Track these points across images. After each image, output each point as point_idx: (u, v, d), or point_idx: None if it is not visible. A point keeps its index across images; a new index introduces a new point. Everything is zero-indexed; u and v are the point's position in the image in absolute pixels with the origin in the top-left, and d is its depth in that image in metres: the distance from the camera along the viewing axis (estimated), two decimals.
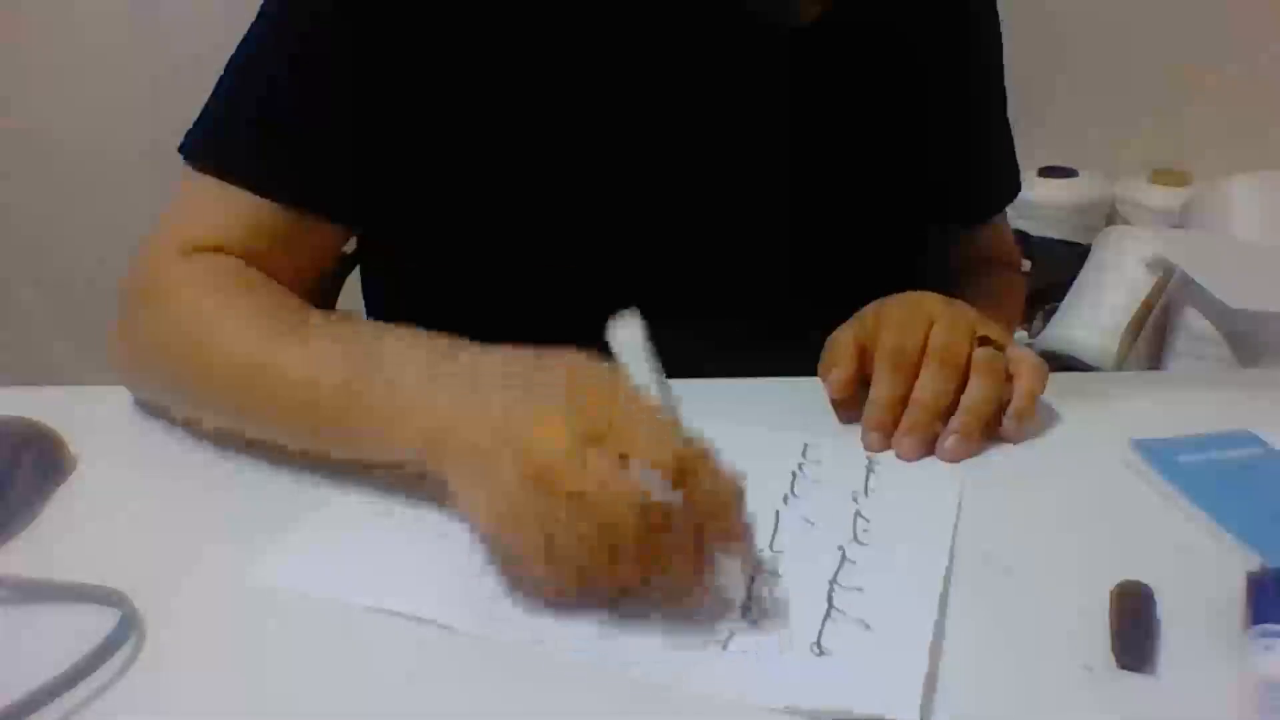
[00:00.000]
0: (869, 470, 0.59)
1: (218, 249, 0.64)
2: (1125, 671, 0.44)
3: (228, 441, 0.60)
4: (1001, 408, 0.61)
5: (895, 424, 0.60)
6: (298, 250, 0.66)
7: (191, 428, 0.61)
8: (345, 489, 0.56)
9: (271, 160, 0.65)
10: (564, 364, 0.50)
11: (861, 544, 0.52)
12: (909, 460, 0.59)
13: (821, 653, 0.45)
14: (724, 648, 0.45)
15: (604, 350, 0.50)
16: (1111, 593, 0.47)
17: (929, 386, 0.60)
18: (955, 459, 0.59)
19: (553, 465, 0.44)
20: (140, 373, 0.64)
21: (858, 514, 0.55)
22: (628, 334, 0.49)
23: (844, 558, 0.51)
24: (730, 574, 0.47)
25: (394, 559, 0.51)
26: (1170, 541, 0.53)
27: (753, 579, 0.48)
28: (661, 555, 0.45)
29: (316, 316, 0.63)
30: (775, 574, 0.49)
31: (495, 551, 0.49)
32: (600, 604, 0.47)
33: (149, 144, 0.68)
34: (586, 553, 0.45)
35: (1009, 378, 0.62)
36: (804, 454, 0.60)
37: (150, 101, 0.69)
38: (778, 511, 0.55)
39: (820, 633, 0.46)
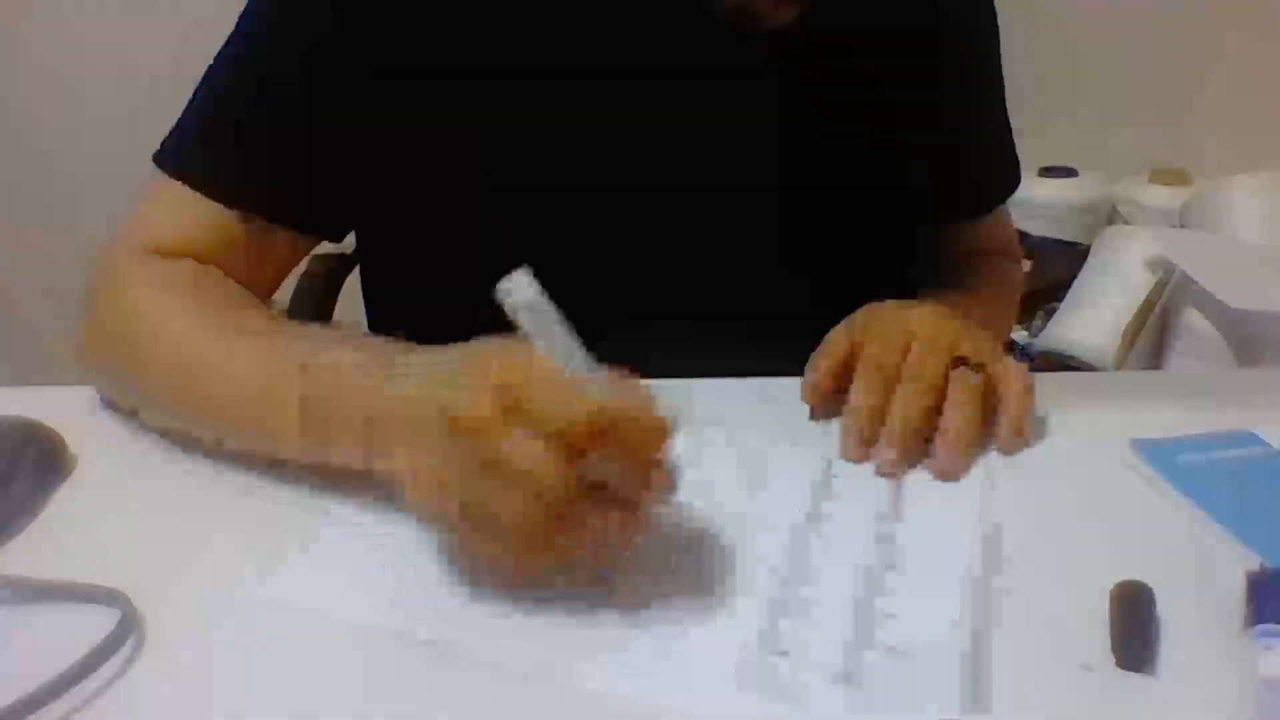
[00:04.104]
0: (894, 489, 0.57)
1: (180, 252, 0.65)
2: (1125, 671, 0.44)
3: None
4: (990, 421, 0.60)
5: (868, 434, 0.59)
6: (260, 255, 0.67)
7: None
8: (347, 492, 0.56)
9: (237, 171, 0.66)
10: (479, 347, 0.49)
11: (887, 566, 0.50)
12: (885, 476, 0.58)
13: (849, 682, 0.43)
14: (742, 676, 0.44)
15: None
16: (1111, 593, 0.47)
17: (899, 408, 0.59)
18: (946, 478, 0.58)
19: (475, 428, 0.44)
20: (92, 369, 0.65)
21: (882, 535, 0.53)
22: (521, 295, 0.45)
23: (869, 580, 0.49)
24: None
25: (394, 577, 0.50)
26: (1170, 541, 0.53)
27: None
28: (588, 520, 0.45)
29: (264, 317, 0.63)
30: (797, 599, 0.48)
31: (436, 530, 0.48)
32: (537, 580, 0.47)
33: (151, 145, 0.68)
34: (515, 520, 0.44)
35: (995, 392, 0.61)
36: (827, 469, 0.58)
37: (153, 103, 0.69)
38: (798, 530, 0.53)
39: (846, 661, 0.44)
